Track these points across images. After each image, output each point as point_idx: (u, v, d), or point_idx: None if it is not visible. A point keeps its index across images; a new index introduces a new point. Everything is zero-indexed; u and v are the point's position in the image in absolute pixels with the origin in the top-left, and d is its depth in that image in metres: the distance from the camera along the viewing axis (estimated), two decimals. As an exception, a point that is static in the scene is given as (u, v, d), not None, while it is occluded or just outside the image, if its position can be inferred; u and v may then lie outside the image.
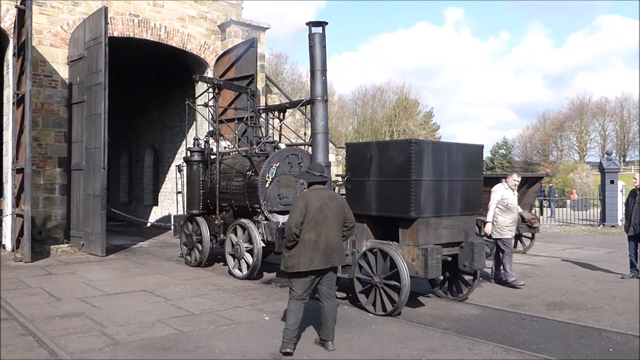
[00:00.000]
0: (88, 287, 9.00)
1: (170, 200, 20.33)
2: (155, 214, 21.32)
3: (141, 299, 8.15)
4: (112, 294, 8.44)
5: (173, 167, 20.00)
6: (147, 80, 21.50)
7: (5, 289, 8.72)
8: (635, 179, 9.79)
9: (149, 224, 20.79)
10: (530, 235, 13.44)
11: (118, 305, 7.67)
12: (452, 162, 7.33)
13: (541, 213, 26.99)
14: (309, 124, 18.09)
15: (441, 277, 8.19)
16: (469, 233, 7.54)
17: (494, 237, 9.43)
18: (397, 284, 6.89)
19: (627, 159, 75.89)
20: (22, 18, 12.05)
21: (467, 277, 8.08)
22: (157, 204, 21.60)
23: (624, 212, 10.73)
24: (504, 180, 9.61)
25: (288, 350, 5.40)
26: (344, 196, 9.62)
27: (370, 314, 7.14)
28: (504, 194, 9.31)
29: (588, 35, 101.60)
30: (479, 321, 6.95)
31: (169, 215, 19.96)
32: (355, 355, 5.54)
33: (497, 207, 9.26)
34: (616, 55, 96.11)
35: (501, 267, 9.45)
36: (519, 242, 13.58)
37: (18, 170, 12.33)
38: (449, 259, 7.41)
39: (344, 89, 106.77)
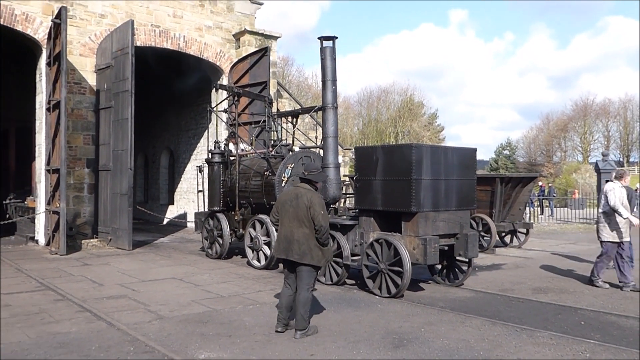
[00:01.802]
0: (124, 275, 10.07)
1: (186, 199, 21.43)
2: (171, 212, 22.38)
3: (173, 284, 9.20)
4: (147, 281, 9.51)
5: (189, 168, 21.13)
6: (164, 85, 22.54)
7: (51, 277, 9.81)
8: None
9: (165, 222, 21.85)
10: (525, 231, 14.44)
11: (155, 290, 8.73)
12: (448, 163, 8.34)
13: (541, 212, 28.02)
14: (318, 127, 19.16)
15: (439, 266, 9.21)
16: (463, 226, 8.55)
17: (605, 239, 8.86)
18: (400, 269, 7.91)
19: (631, 160, 76.65)
20: (56, 30, 13.14)
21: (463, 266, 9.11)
22: (172, 203, 22.66)
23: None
24: (615, 179, 8.92)
25: (278, 329, 6.27)
26: (349, 195, 10.65)
27: (377, 296, 8.17)
28: (622, 192, 8.69)
29: (592, 37, 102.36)
30: (471, 302, 7.97)
31: (185, 214, 21.09)
32: (364, 327, 6.56)
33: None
34: (620, 56, 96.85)
35: (594, 270, 9.18)
36: (514, 237, 14.61)
37: (52, 171, 13.41)
38: (446, 248, 8.45)
39: (349, 90, 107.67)
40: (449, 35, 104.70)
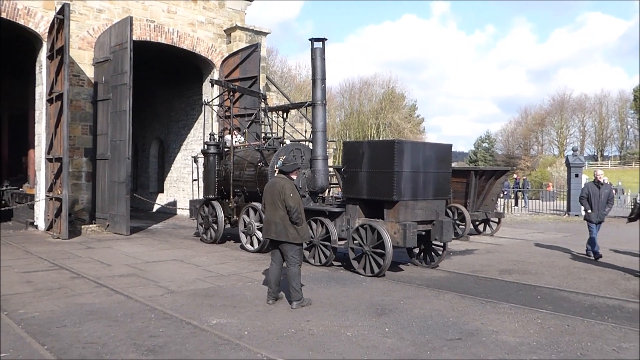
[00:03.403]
0: (128, 257, 10.90)
1: (176, 188, 22.18)
2: (161, 200, 23.10)
3: (176, 265, 10.08)
4: (150, 262, 10.36)
5: (179, 157, 21.89)
6: (154, 77, 23.17)
7: (61, 258, 10.60)
8: (600, 174, 11.68)
9: (155, 209, 22.59)
10: (497, 220, 15.57)
11: (160, 269, 9.60)
12: (426, 158, 9.33)
13: (516, 204, 29.34)
14: (303, 120, 20.00)
15: (417, 249, 10.23)
16: (439, 213, 9.56)
17: None
18: (383, 251, 8.90)
19: (605, 154, 79.09)
20: (59, 25, 13.77)
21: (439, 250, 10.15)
22: (162, 191, 23.38)
23: (585, 200, 11.51)
24: None
25: (269, 302, 7.24)
26: (334, 185, 11.57)
27: (361, 275, 9.15)
28: None
29: (571, 32, 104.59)
30: (445, 280, 9.01)
31: (175, 202, 21.87)
32: (351, 300, 7.53)
33: None
34: (598, 52, 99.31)
35: None
36: (487, 225, 15.72)
37: (53, 160, 14.10)
38: (424, 233, 9.46)
39: (331, 81, 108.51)
40: (431, 27, 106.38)
